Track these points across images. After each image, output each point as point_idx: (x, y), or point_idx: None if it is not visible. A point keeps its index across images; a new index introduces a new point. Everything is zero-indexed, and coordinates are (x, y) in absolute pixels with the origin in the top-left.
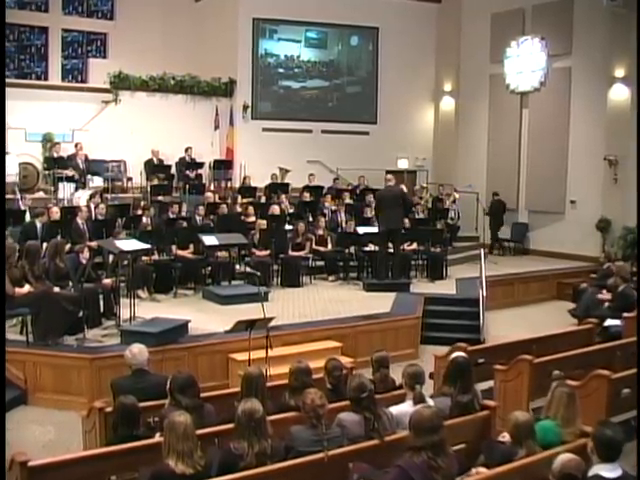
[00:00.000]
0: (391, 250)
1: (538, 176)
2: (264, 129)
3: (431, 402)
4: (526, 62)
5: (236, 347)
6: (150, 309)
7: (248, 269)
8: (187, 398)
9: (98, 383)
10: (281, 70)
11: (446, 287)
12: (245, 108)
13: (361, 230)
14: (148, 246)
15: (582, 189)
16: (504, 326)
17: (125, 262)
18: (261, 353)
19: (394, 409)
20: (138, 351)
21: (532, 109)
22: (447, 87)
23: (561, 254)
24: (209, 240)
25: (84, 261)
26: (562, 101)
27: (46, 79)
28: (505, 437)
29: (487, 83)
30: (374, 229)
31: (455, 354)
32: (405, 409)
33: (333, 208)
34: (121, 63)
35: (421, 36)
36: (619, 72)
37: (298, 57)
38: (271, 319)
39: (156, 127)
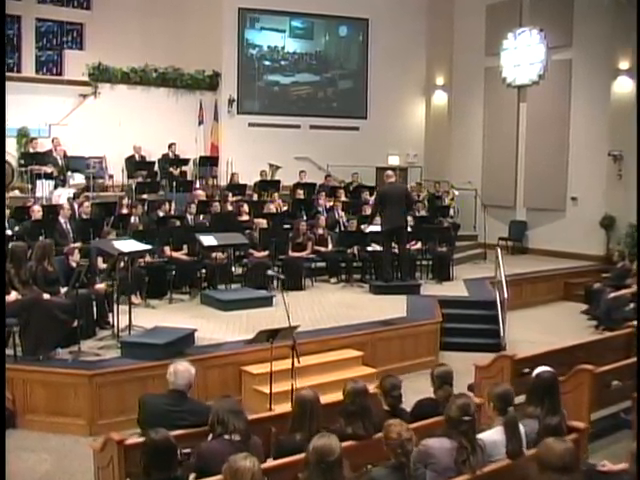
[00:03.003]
0: (396, 250)
1: (537, 172)
2: (250, 124)
3: (521, 427)
4: (524, 54)
5: (249, 359)
6: (146, 316)
7: (270, 272)
8: (238, 425)
9: (98, 403)
10: (267, 63)
11: (455, 289)
12: (231, 102)
13: (366, 229)
14: (148, 247)
15: (584, 185)
16: (517, 329)
17: (121, 264)
18: (278, 365)
19: (484, 437)
20: (182, 370)
21: (530, 103)
22: (439, 81)
23: (562, 253)
24: (207, 240)
25: (73, 264)
26: (562, 95)
27: (19, 71)
28: (606, 466)
29: (482, 76)
30: (378, 228)
31: (540, 369)
32: (495, 437)
33: (329, 205)
34: (99, 55)
35: (412, 28)
36: (623, 64)
37: (282, 48)
38: (295, 328)
39: (138, 122)
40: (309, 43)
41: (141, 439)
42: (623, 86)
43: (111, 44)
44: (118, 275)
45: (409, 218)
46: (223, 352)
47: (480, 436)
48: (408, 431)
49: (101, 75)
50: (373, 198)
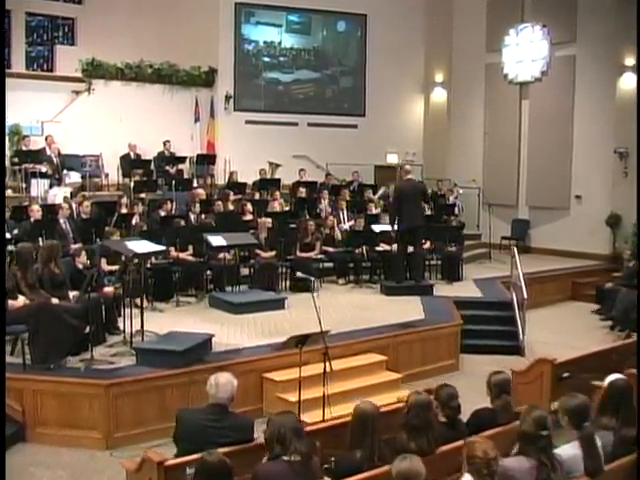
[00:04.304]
0: (410, 250)
1: (540, 170)
2: (247, 121)
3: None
4: (526, 51)
5: (271, 365)
6: (154, 321)
7: (299, 274)
8: (299, 447)
9: (115, 414)
10: (265, 59)
11: (467, 289)
12: (227, 99)
13: (377, 228)
14: (162, 247)
15: (588, 183)
16: (530, 330)
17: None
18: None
19: (560, 452)
20: (224, 382)
21: (533, 100)
22: (438, 78)
23: (566, 252)
24: (216, 241)
25: (80, 266)
26: (566, 91)
27: (9, 67)
28: None
29: (482, 73)
30: (389, 227)
31: (613, 377)
32: (572, 452)
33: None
34: (91, 50)
35: (411, 24)
36: (629, 60)
37: (279, 43)
38: (326, 333)
39: (132, 119)
40: (306, 38)
41: (182, 459)
42: (629, 83)
43: (104, 39)
44: (131, 277)
45: None
46: (244, 358)
47: (556, 451)
48: (493, 450)
49: (95, 71)
50: (378, 194)
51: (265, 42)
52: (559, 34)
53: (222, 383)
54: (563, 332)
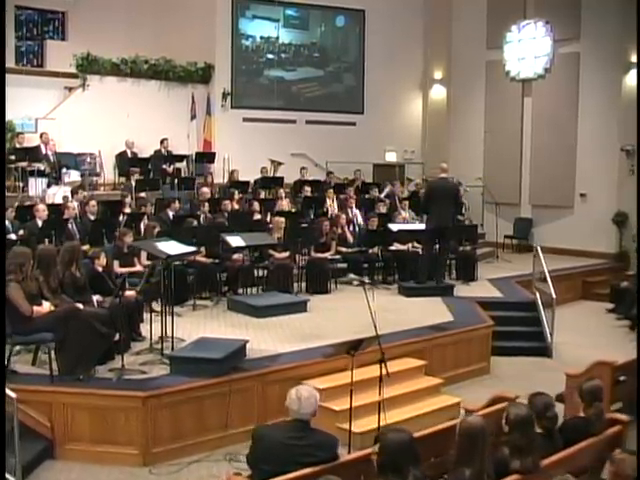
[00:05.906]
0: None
1: (543, 169)
2: (245, 119)
3: None
4: (528, 48)
5: (310, 372)
6: (175, 326)
7: (352, 275)
8: (418, 473)
9: (153, 428)
10: (262, 55)
11: (485, 289)
12: (225, 96)
13: (394, 227)
14: (194, 249)
15: (593, 181)
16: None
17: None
18: (341, 379)
19: None
20: (308, 395)
21: (535, 97)
22: (437, 75)
23: (570, 250)
24: (235, 241)
25: (99, 269)
26: (570, 88)
27: None
28: None
29: (483, 70)
30: (407, 226)
31: None
32: None
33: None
34: (82, 46)
35: (409, 20)
36: (635, 57)
37: (277, 39)
38: (379, 337)
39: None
40: (304, 34)
41: None
42: (635, 80)
43: (96, 34)
44: (162, 279)
45: None
46: (282, 365)
47: None
48: None
49: (90, 66)
50: (385, 192)
51: (262, 37)
52: (562, 31)
53: (305, 397)
54: (582, 332)
